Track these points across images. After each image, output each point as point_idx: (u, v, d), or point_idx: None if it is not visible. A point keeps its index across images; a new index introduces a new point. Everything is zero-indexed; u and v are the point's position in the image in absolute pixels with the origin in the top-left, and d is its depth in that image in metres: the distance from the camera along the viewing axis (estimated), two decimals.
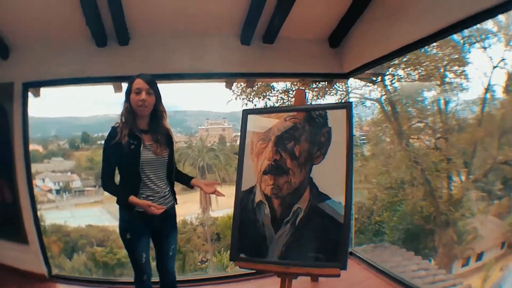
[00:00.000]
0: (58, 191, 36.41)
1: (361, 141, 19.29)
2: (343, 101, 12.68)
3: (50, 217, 25.13)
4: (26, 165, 4.23)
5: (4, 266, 4.35)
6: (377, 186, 15.95)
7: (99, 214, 35.52)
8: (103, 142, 2.72)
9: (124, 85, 4.54)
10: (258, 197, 3.35)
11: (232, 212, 3.50)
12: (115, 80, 4.40)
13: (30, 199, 4.27)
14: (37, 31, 3.99)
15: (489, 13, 2.71)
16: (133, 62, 4.07)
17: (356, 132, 18.79)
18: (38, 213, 4.54)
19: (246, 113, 3.66)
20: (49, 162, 38.25)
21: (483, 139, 14.30)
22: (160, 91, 2.79)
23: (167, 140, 2.84)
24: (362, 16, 4.10)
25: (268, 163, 3.35)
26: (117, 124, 2.71)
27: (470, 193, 14.63)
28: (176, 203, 2.98)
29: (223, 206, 27.12)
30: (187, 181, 3.02)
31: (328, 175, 3.19)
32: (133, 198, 2.60)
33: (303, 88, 4.15)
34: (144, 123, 2.77)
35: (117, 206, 2.75)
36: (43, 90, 4.53)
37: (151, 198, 2.69)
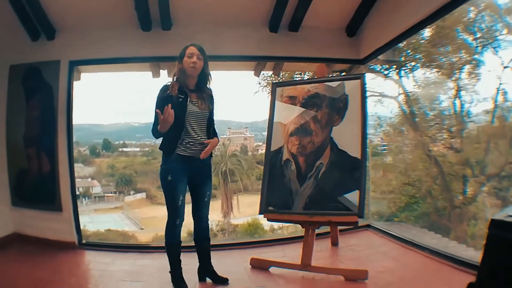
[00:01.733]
0: (77, 196, 36.56)
1: (382, 150, 19.36)
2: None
3: None
4: (68, 136, 4.64)
5: (35, 238, 4.61)
6: (396, 187, 15.89)
7: (119, 219, 35.44)
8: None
9: (163, 72, 5.10)
10: (286, 155, 3.90)
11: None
12: (157, 60, 4.89)
13: (69, 167, 4.66)
14: (86, 13, 4.46)
15: None
16: (174, 45, 4.48)
17: (375, 139, 18.83)
18: None
19: (275, 86, 4.24)
20: None
21: (496, 141, 14.27)
22: (207, 58, 3.29)
23: (210, 99, 3.33)
24: (374, 6, 4.57)
25: (295, 126, 3.92)
26: (169, 82, 3.23)
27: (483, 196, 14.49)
28: (212, 156, 3.42)
29: (244, 214, 27.39)
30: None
31: (346, 134, 3.70)
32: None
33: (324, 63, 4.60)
34: (192, 83, 3.26)
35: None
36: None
37: (191, 143, 3.18)
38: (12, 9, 4.24)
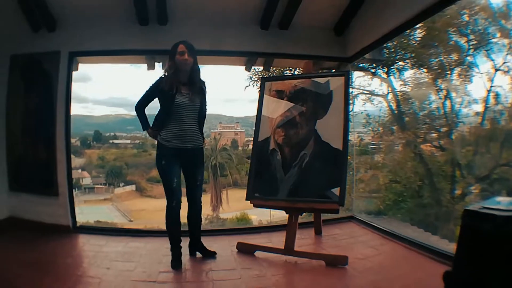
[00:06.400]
0: None
1: (372, 149, 19.51)
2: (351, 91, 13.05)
3: None
4: (66, 123, 4.78)
5: (31, 221, 4.69)
6: (384, 185, 15.94)
7: (108, 211, 35.46)
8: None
9: (157, 64, 5.27)
10: (272, 145, 4.14)
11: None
12: (152, 53, 5.06)
13: (66, 154, 4.80)
14: (86, 7, 4.60)
15: None
16: (169, 39, 4.68)
17: (367, 138, 18.94)
18: None
19: (264, 80, 4.47)
20: None
21: (487, 143, 14.42)
22: (196, 54, 3.59)
23: (200, 92, 3.61)
24: (362, 7, 4.75)
25: (281, 119, 4.16)
26: (163, 75, 3.55)
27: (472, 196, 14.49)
28: (204, 143, 3.77)
29: (234, 208, 27.52)
30: None
31: (329, 127, 3.93)
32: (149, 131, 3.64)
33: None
34: (184, 77, 3.54)
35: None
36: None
37: (178, 133, 3.49)
38: (16, 0, 4.39)
